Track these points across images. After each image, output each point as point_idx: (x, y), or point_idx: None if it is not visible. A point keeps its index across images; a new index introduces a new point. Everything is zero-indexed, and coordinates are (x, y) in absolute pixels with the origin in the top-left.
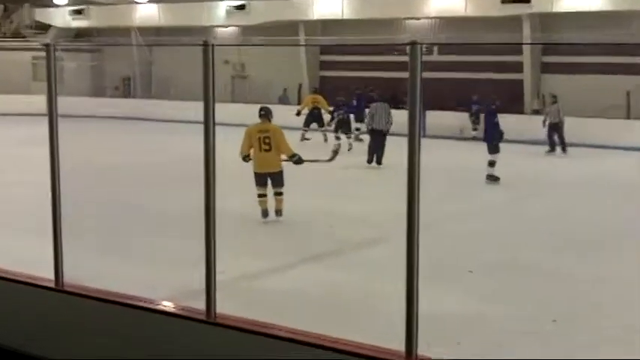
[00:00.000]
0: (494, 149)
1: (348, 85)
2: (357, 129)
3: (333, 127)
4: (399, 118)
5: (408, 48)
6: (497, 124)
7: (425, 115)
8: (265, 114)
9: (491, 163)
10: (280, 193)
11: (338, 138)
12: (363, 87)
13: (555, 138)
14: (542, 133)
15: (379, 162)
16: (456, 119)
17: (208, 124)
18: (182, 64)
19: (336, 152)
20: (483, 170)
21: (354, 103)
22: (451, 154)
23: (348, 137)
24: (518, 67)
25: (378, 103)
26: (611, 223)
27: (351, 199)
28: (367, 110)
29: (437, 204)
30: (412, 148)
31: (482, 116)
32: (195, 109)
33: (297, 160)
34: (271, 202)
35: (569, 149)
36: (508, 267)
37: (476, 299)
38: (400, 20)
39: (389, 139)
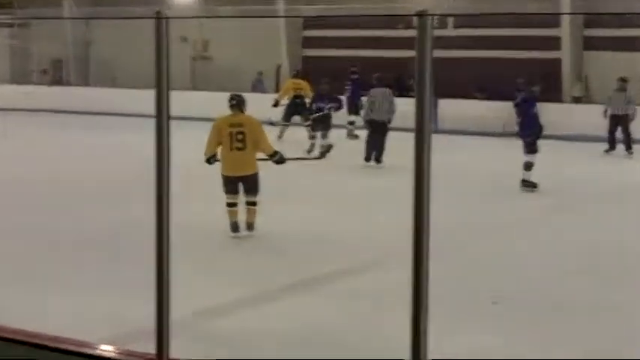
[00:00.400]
0: (531, 148)
1: (339, 67)
2: (351, 122)
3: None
4: (405, 107)
5: (415, 19)
6: (536, 116)
7: (437, 105)
8: (237, 104)
9: (528, 166)
10: (254, 203)
11: (313, 137)
12: (356, 69)
13: (618, 134)
14: (588, 126)
15: (378, 159)
16: (476, 109)
17: (161, 117)
18: (128, 43)
19: (327, 149)
20: (515, 175)
21: (348, 89)
22: (471, 154)
23: (324, 137)
24: (554, 43)
25: (379, 89)
26: None
27: (344, 210)
28: (364, 99)
29: (452, 217)
30: (420, 146)
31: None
32: (145, 99)
33: (279, 159)
34: (243, 213)
35: (636, 147)
36: (543, 299)
37: (501, 338)
38: None
39: (391, 134)
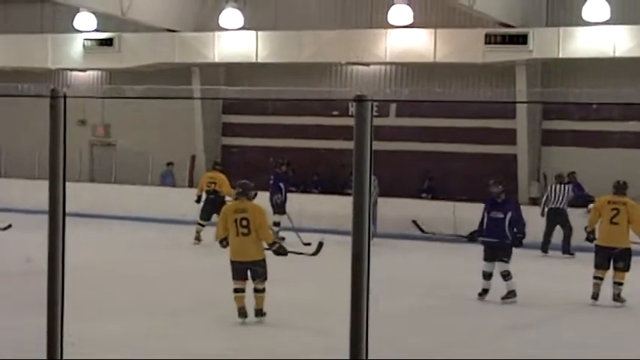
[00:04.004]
0: (508, 252)
1: (261, 158)
2: (276, 223)
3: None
4: (341, 208)
5: (352, 105)
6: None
7: (376, 205)
8: (243, 191)
9: (506, 275)
10: (262, 290)
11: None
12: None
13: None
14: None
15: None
16: (421, 210)
17: (56, 214)
18: (14, 124)
19: (321, 245)
20: (472, 286)
21: (271, 184)
22: (418, 260)
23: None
24: (510, 137)
25: None
26: None
27: None
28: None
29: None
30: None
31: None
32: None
33: (279, 250)
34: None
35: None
36: None
37: None
38: (341, 66)
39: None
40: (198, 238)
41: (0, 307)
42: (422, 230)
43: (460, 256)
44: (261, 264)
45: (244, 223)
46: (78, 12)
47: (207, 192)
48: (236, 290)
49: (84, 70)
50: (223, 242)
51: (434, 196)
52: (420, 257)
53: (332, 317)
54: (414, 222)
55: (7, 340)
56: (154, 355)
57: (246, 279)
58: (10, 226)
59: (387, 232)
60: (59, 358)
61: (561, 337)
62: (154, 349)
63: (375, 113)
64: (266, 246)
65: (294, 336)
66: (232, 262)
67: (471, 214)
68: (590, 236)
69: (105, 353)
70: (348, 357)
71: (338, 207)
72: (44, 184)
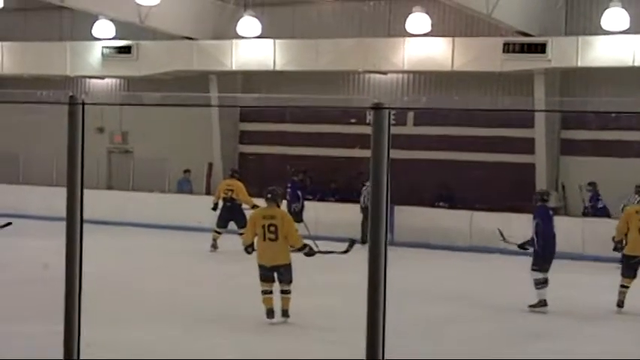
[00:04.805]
0: (546, 262)
1: (278, 166)
2: None
3: None
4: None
5: (369, 113)
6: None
7: (394, 212)
8: (272, 197)
9: (542, 282)
10: (288, 291)
11: None
12: (296, 169)
13: None
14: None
15: None
16: (436, 219)
17: (73, 220)
18: (32, 132)
19: (353, 242)
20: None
21: (288, 192)
22: (436, 271)
23: None
24: (528, 146)
25: None
26: None
27: None
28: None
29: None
30: (375, 261)
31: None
32: (51, 198)
33: (308, 252)
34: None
35: None
36: None
37: None
38: (358, 74)
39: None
40: (214, 246)
41: (17, 313)
42: (504, 239)
43: (478, 265)
44: (287, 268)
45: (272, 229)
46: (97, 20)
47: (225, 199)
48: (264, 292)
49: (102, 78)
50: (249, 249)
51: (451, 205)
52: (437, 266)
53: (350, 324)
54: (499, 230)
55: (24, 346)
56: None
57: (273, 281)
58: (9, 224)
59: (404, 241)
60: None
61: (584, 347)
62: (167, 356)
63: (392, 121)
64: (296, 249)
65: (313, 342)
66: (260, 266)
67: (488, 223)
68: (618, 246)
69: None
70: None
71: (354, 215)
72: (62, 191)
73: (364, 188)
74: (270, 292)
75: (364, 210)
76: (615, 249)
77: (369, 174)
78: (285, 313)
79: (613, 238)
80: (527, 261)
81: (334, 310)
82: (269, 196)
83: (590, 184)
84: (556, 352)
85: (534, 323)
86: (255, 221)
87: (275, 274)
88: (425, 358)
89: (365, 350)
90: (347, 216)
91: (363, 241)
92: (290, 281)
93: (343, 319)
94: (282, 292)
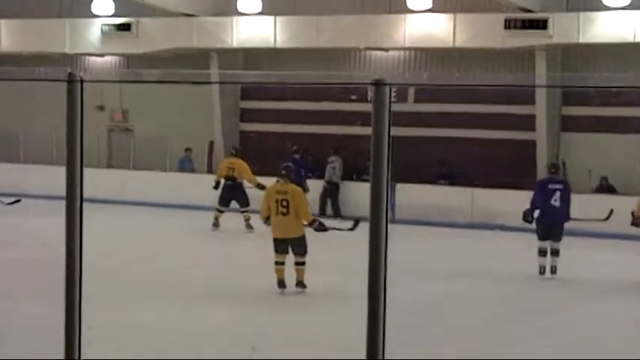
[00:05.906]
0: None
1: (279, 144)
2: None
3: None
4: (360, 194)
5: (370, 90)
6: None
7: (394, 190)
8: (286, 173)
9: (541, 251)
10: (302, 263)
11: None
12: (297, 148)
13: None
14: None
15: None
16: (437, 196)
17: (73, 199)
18: (31, 110)
19: (357, 221)
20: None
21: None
22: (436, 248)
23: None
24: (528, 122)
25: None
26: None
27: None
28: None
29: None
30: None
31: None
32: (51, 177)
33: (318, 227)
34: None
35: None
36: None
37: None
38: (359, 51)
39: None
40: (216, 224)
41: (18, 292)
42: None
43: (479, 242)
44: (301, 240)
45: (284, 203)
46: None
47: (226, 178)
48: (277, 263)
49: (102, 55)
50: (267, 221)
51: (452, 182)
52: (438, 243)
53: (350, 302)
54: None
55: (25, 325)
56: (169, 341)
57: (287, 253)
58: (19, 200)
59: (405, 219)
60: (77, 342)
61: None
62: (169, 335)
63: (393, 98)
64: (306, 224)
65: (313, 321)
66: (274, 239)
67: (488, 200)
68: (638, 221)
69: (121, 339)
70: (364, 346)
71: (356, 193)
72: (62, 170)
73: (329, 164)
74: (283, 264)
75: (328, 184)
76: (634, 224)
77: (370, 151)
78: (300, 284)
79: (632, 213)
80: (528, 237)
81: (339, 286)
82: (283, 172)
83: (603, 178)
84: (557, 327)
85: (535, 299)
86: (269, 196)
87: (289, 247)
88: (426, 333)
89: (365, 349)
90: (348, 194)
91: (322, 213)
92: (304, 253)
93: (346, 295)
94: (297, 263)
